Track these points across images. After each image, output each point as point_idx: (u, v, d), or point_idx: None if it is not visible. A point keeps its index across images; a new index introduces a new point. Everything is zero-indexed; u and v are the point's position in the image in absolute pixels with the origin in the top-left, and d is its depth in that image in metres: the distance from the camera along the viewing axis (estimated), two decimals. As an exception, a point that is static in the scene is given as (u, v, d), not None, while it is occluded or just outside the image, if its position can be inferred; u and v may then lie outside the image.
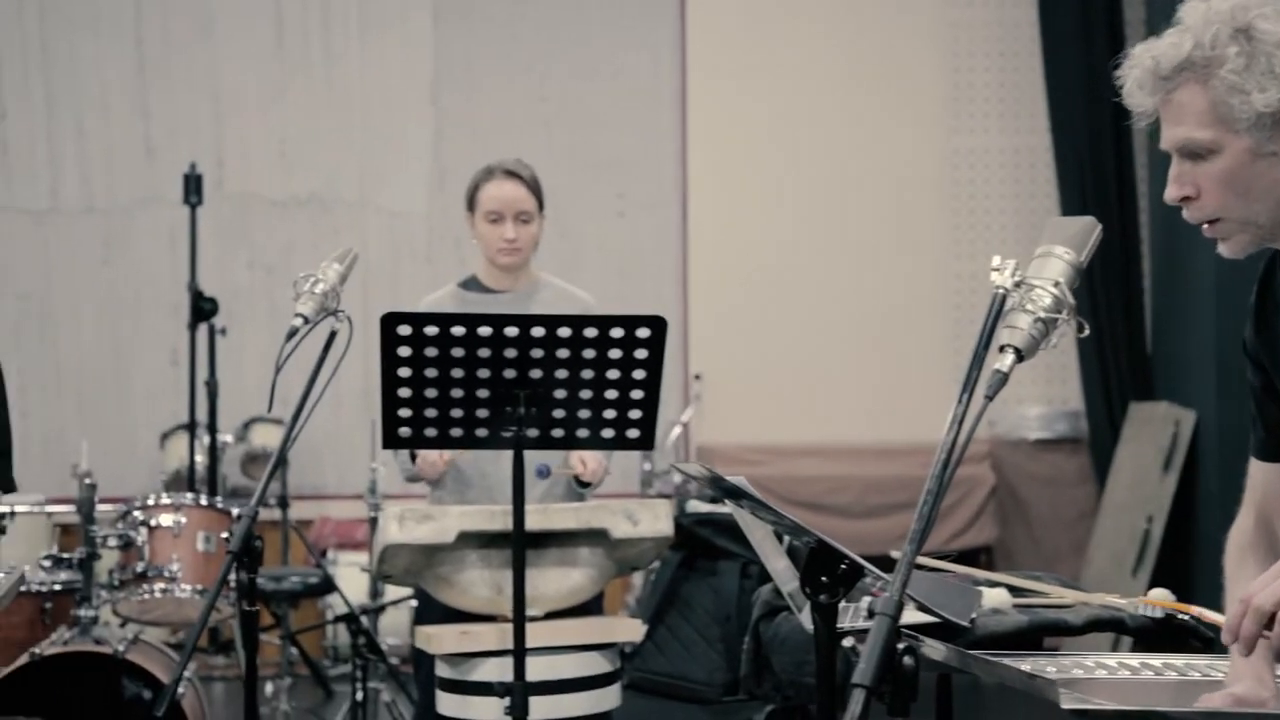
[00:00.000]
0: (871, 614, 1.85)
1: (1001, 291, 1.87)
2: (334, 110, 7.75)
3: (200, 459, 6.67)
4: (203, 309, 6.31)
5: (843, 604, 2.17)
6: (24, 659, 4.25)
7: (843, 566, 2.11)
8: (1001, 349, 1.86)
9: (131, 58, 7.60)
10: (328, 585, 5.87)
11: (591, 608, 3.57)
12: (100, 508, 4.61)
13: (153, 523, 4.68)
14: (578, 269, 7.31)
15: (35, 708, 4.13)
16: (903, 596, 1.74)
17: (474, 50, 7.81)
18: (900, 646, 1.75)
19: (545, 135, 7.75)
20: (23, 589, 4.42)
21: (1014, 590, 2.78)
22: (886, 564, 2.24)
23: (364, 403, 7.57)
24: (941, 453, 1.80)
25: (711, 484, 2.21)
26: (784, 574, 2.37)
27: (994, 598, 2.68)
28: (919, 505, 1.78)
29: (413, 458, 3.77)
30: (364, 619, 5.17)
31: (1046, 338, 1.86)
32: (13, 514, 4.60)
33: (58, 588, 4.93)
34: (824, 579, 2.11)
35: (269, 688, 5.83)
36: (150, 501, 4.77)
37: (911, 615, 2.30)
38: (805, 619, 2.28)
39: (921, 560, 2.79)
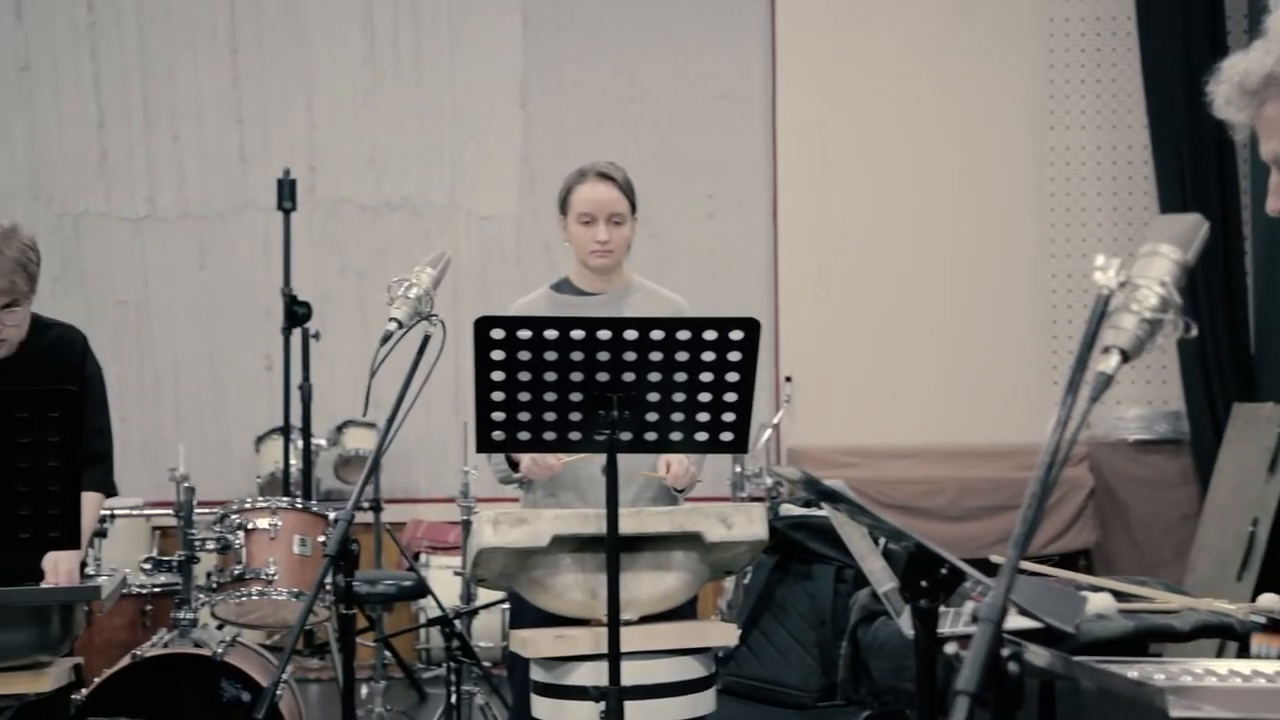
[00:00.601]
0: (975, 619, 1.81)
1: (1106, 291, 1.82)
2: (424, 115, 7.80)
3: (294, 462, 6.72)
4: (297, 314, 6.34)
5: (941, 608, 2.13)
6: (126, 660, 4.31)
7: (943, 571, 2.07)
8: (1106, 350, 1.81)
9: (226, 67, 7.70)
10: (422, 589, 5.89)
11: (685, 612, 3.54)
12: (197, 511, 4.65)
13: (249, 526, 4.71)
14: (667, 271, 7.30)
15: (137, 708, 4.18)
16: (1007, 601, 1.70)
17: (563, 53, 7.83)
18: (1005, 653, 1.71)
19: (634, 137, 7.75)
20: (125, 591, 4.48)
21: (1118, 595, 2.72)
22: (984, 568, 2.20)
23: (454, 405, 7.61)
24: (1045, 455, 1.75)
25: (808, 487, 2.18)
26: (880, 575, 2.33)
27: (1098, 603, 2.63)
28: (1022, 508, 1.74)
29: (514, 464, 3.77)
30: (457, 622, 5.18)
31: (1152, 338, 1.81)
32: (112, 517, 4.67)
33: (157, 590, 5.01)
34: (924, 584, 2.07)
35: (363, 690, 5.86)
36: (247, 504, 4.81)
37: (1014, 620, 2.26)
38: (904, 624, 2.25)
39: (1022, 565, 2.73)
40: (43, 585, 3.45)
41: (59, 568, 3.47)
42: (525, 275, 7.62)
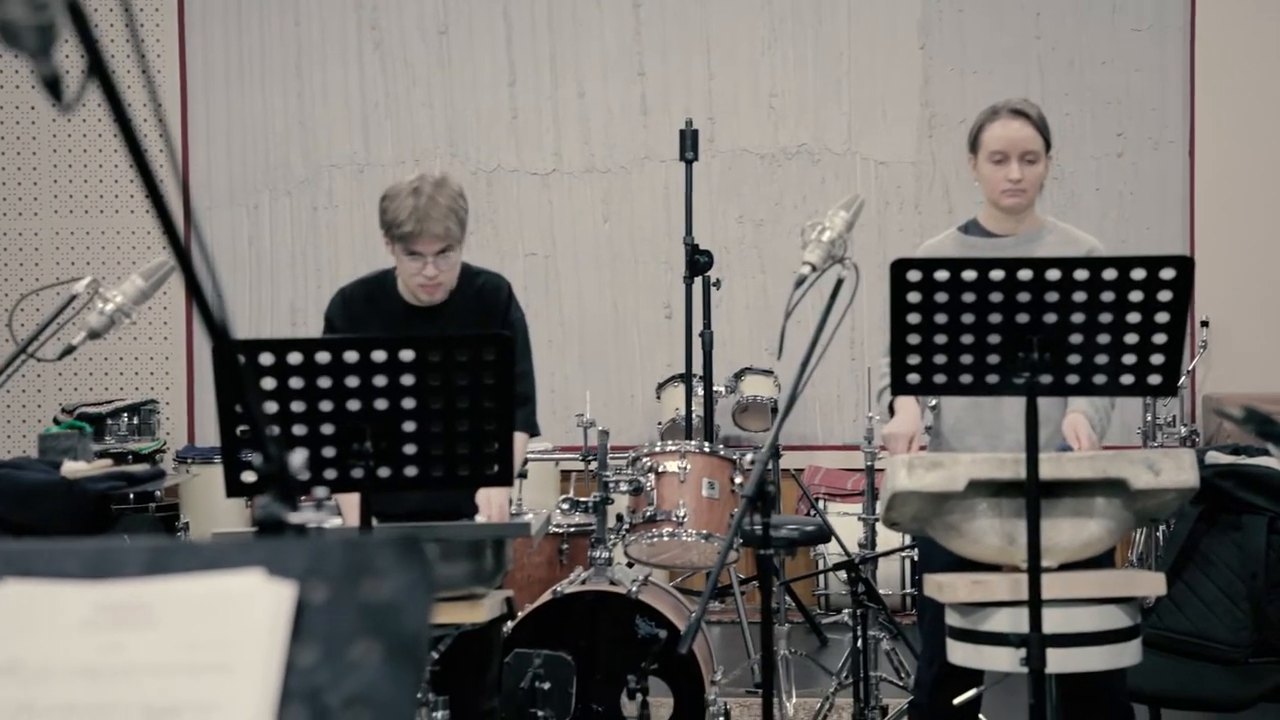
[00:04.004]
0: None
1: None
2: (821, 60, 7.77)
3: (695, 409, 6.84)
4: (699, 263, 6.43)
5: None
6: (547, 596, 4.50)
7: None
8: None
9: (629, 21, 7.86)
10: (824, 534, 5.91)
11: (1103, 561, 3.44)
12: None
13: (659, 469, 4.83)
14: (1073, 212, 7.06)
15: (558, 641, 4.36)
16: None
17: (965, -9, 7.65)
18: None
19: (1039, 75, 7.51)
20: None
21: None
22: None
23: (850, 352, 7.60)
24: None
25: (1263, 429, 2.07)
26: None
27: None
28: None
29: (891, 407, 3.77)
30: (862, 567, 5.17)
31: None
32: (525, 460, 4.87)
33: (572, 530, 5.21)
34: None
35: (767, 633, 5.94)
36: (657, 448, 4.93)
37: None
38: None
39: None
40: (477, 521, 3.64)
41: (492, 504, 3.65)
42: (924, 221, 7.52)
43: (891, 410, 3.79)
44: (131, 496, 5.92)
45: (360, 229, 7.79)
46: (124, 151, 1.14)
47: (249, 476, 2.92)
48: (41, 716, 0.96)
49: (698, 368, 6.74)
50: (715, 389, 7.05)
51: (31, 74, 1.03)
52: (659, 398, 7.52)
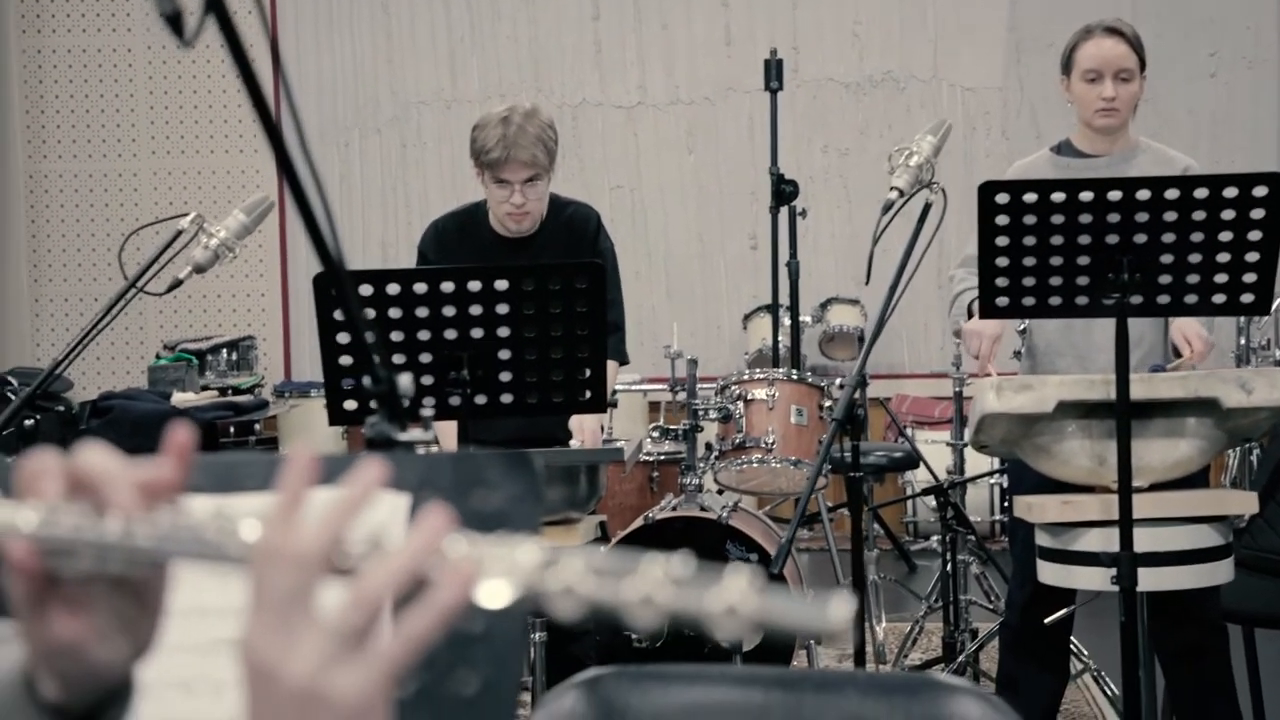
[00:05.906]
0: None
1: None
2: (907, -13, 7.71)
3: (781, 339, 6.86)
4: (784, 193, 6.42)
5: None
6: (639, 522, 4.57)
7: None
8: None
9: (713, -50, 7.84)
10: (911, 460, 5.93)
11: (1196, 480, 3.44)
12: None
13: (748, 396, 4.86)
14: (1165, 133, 6.96)
15: (650, 566, 4.42)
16: None
17: (1052, -89, 7.54)
18: None
19: (1129, -4, 7.41)
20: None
21: None
22: None
23: (938, 280, 7.57)
24: None
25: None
26: None
27: None
28: None
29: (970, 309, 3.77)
30: (951, 492, 5.19)
31: None
32: (615, 390, 4.93)
33: (663, 458, 5.27)
34: None
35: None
36: (745, 376, 4.97)
37: None
38: None
39: None
40: (571, 447, 3.71)
41: (585, 430, 3.71)
42: (1011, 146, 7.46)
43: (970, 313, 3.78)
44: (233, 429, 6.08)
45: (448, 165, 7.86)
46: (239, 84, 1.19)
47: (351, 404, 3.00)
48: (177, 619, 1.03)
49: (784, 298, 6.74)
50: (801, 319, 7.05)
51: (150, 12, 1.09)
52: (745, 328, 7.55)
